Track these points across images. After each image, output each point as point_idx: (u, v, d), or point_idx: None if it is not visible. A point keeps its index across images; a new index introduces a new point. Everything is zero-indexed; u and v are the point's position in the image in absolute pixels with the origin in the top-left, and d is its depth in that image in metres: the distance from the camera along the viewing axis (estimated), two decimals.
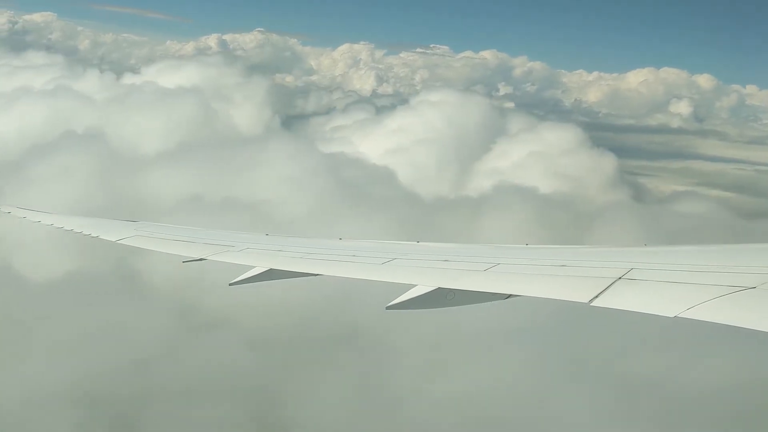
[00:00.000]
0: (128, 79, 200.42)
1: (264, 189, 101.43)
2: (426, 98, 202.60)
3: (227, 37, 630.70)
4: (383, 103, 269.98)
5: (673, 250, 8.99)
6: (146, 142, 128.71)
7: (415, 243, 11.50)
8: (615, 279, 6.85)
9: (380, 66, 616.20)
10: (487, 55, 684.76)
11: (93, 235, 13.94)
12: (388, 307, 7.83)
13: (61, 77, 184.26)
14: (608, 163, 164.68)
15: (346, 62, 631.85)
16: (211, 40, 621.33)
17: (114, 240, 13.25)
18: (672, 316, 5.64)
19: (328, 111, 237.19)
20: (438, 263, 9.15)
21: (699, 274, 6.80)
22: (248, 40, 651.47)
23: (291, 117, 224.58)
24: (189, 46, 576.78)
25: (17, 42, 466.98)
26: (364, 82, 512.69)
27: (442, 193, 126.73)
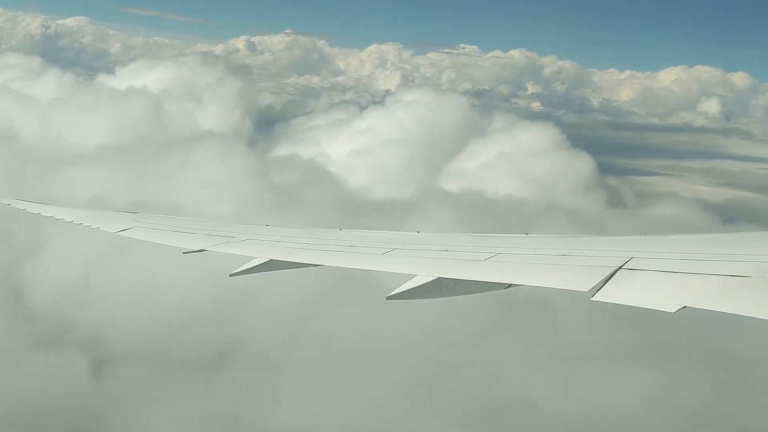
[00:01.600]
0: (101, 79, 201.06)
1: (180, 192, 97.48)
2: (401, 98, 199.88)
3: (255, 39, 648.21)
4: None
5: (673, 238, 8.97)
6: (73, 143, 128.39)
7: (415, 233, 11.50)
8: (615, 268, 6.85)
9: (406, 66, 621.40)
10: (516, 54, 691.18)
11: (93, 226, 13.98)
12: (388, 297, 7.84)
13: (16, 78, 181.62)
14: (583, 165, 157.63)
15: (373, 63, 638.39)
16: (240, 42, 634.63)
17: (114, 231, 13.24)
18: (673, 311, 5.62)
19: (326, 110, 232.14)
20: (438, 253, 9.16)
21: (698, 263, 6.80)
22: (276, 41, 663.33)
23: (274, 117, 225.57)
24: (217, 49, 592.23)
25: (49, 46, 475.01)
26: (389, 83, 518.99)
27: (390, 196, 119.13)
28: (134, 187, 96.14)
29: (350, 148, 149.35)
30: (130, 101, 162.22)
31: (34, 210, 16.26)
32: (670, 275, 6.56)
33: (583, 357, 61.08)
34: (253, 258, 9.88)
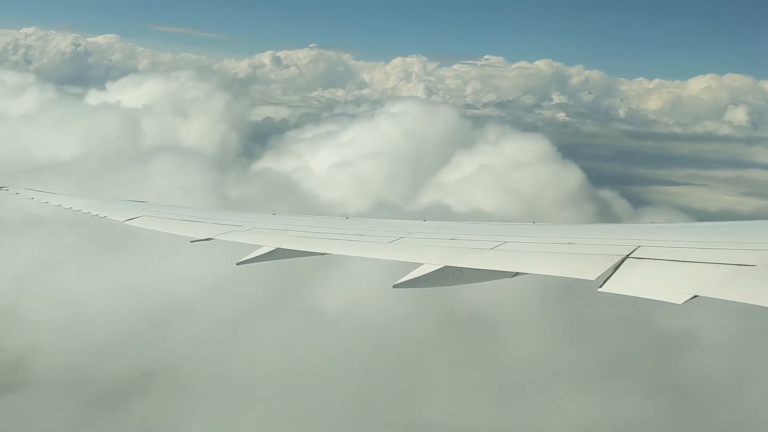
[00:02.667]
0: (91, 96, 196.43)
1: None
2: (389, 109, 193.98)
3: (281, 53, 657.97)
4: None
5: (680, 226, 8.96)
6: (27, 158, 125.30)
7: (422, 221, 11.46)
8: (622, 257, 6.85)
9: (431, 78, 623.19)
10: (542, 64, 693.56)
11: (101, 215, 14.03)
12: (395, 286, 7.85)
13: None
14: (570, 177, 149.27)
15: (398, 75, 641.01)
16: (265, 57, 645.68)
17: (122, 220, 13.29)
18: (680, 302, 5.62)
19: (318, 123, 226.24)
20: (445, 241, 9.15)
21: (705, 251, 6.77)
22: (302, 56, 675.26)
23: (271, 131, 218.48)
24: (244, 64, 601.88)
25: (79, 63, 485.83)
26: (413, 95, 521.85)
27: (362, 210, 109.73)
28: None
29: (331, 161, 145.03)
30: (105, 116, 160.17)
31: (42, 199, 16.34)
32: (677, 264, 6.54)
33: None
34: (260, 246, 9.88)
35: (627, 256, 6.88)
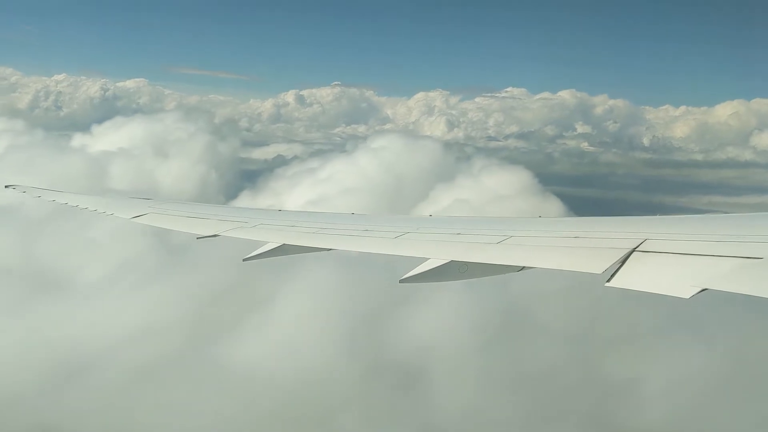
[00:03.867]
0: (77, 139, 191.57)
1: (53, 253, 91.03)
2: (372, 144, 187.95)
3: (305, 92, 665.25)
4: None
5: (686, 219, 8.86)
6: None
7: (428, 216, 11.51)
8: (629, 250, 6.79)
9: (453, 112, 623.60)
10: (565, 95, 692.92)
11: (107, 213, 14.02)
12: (401, 281, 7.77)
13: None
14: (550, 209, 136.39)
15: (420, 110, 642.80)
16: (289, 96, 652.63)
17: (128, 218, 13.28)
18: (688, 296, 5.55)
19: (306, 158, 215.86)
20: (451, 236, 9.10)
21: (712, 244, 6.71)
22: (325, 93, 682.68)
23: (263, 169, 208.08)
24: (268, 103, 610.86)
25: (108, 107, 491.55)
26: (434, 128, 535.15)
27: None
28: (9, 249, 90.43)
29: (306, 198, 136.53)
30: (72, 160, 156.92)
31: (49, 197, 16.32)
32: (685, 257, 6.45)
33: None
34: (266, 243, 9.85)
35: (634, 250, 6.81)
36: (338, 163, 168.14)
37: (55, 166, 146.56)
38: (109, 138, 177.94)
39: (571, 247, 7.65)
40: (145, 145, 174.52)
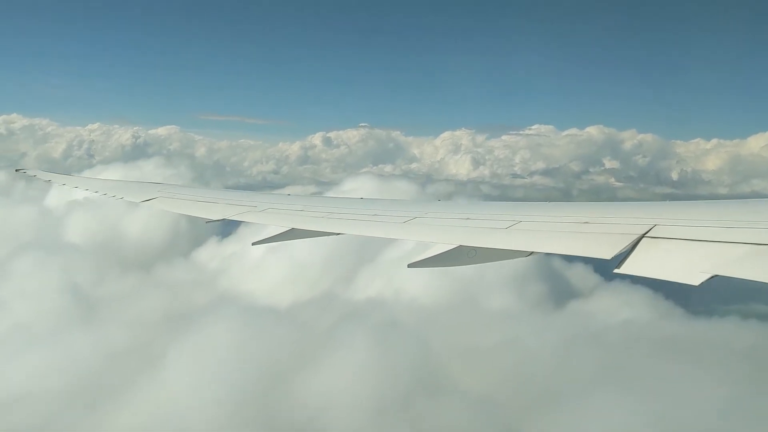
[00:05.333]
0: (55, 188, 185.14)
1: None
2: (343, 186, 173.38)
3: (331, 134, 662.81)
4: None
5: (696, 205, 8.71)
6: None
7: (436, 201, 11.36)
8: (638, 236, 6.72)
9: (479, 150, 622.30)
10: (593, 131, 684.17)
11: (118, 197, 14.02)
12: (410, 265, 7.82)
13: None
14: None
15: (447, 149, 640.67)
16: (317, 138, 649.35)
17: (138, 201, 13.37)
18: (697, 284, 5.46)
19: None
20: (459, 221, 9.01)
21: (722, 230, 6.60)
22: (352, 135, 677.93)
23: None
24: (296, 146, 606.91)
25: (139, 154, 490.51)
26: (460, 167, 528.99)
27: (268, 304, 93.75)
28: None
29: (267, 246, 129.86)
30: (27, 211, 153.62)
31: (59, 181, 16.37)
32: (694, 243, 6.36)
33: None
34: (276, 227, 9.85)
35: (643, 236, 6.74)
36: None
37: (9, 215, 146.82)
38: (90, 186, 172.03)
39: (581, 233, 7.55)
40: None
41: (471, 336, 75.89)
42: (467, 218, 9.08)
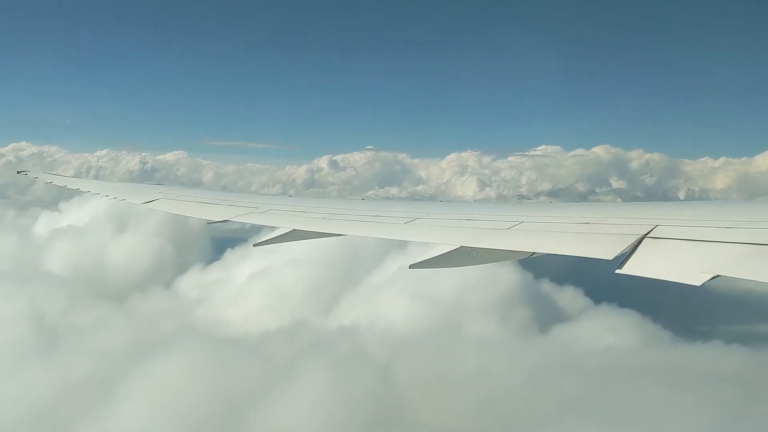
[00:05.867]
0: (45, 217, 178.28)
1: None
2: None
3: (338, 157, 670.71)
4: None
5: (699, 205, 8.72)
6: None
7: (438, 202, 11.33)
8: (640, 236, 6.70)
9: (485, 171, 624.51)
10: (599, 150, 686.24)
11: (119, 198, 13.98)
12: (411, 266, 7.83)
13: None
14: (505, 275, 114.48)
15: (453, 170, 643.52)
16: (323, 162, 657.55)
17: (140, 203, 13.25)
18: (699, 284, 5.46)
19: None
20: (461, 222, 8.99)
21: (725, 231, 6.57)
22: (358, 158, 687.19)
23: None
24: (302, 169, 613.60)
25: (146, 179, 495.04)
26: (466, 188, 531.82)
27: (244, 332, 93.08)
28: None
29: (251, 270, 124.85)
30: (9, 238, 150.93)
31: (60, 183, 16.30)
32: (696, 243, 6.35)
33: None
34: (277, 228, 9.81)
35: (644, 236, 6.72)
36: None
37: None
38: (73, 214, 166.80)
39: (582, 233, 7.52)
40: (103, 221, 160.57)
41: (444, 365, 74.64)
42: (468, 219, 9.07)
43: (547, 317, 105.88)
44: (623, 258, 6.32)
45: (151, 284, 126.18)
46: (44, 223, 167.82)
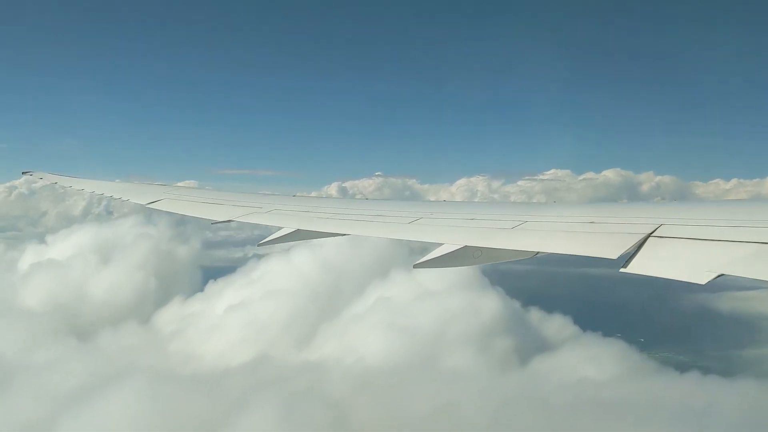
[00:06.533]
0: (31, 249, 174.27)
1: None
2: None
3: (347, 183, 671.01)
4: None
5: (703, 205, 8.62)
6: None
7: (442, 202, 11.27)
8: (644, 236, 6.66)
9: (495, 195, 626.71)
10: (610, 174, 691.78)
11: (123, 198, 13.90)
12: (415, 266, 7.74)
13: None
14: (489, 305, 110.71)
15: (463, 195, 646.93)
16: (332, 189, 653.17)
17: (144, 203, 13.17)
18: (704, 282, 5.42)
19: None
20: (465, 221, 8.92)
21: (729, 230, 6.56)
22: (367, 184, 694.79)
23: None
24: (311, 195, 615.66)
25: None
26: None
27: (220, 366, 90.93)
28: None
29: (229, 303, 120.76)
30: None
31: (65, 183, 16.20)
32: (700, 243, 6.31)
33: None
34: (281, 228, 9.70)
35: (649, 235, 6.67)
36: (273, 262, 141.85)
37: None
38: (59, 246, 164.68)
39: (586, 233, 7.48)
40: (88, 253, 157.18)
41: (408, 401, 72.77)
42: (472, 218, 9.00)
43: (530, 347, 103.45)
44: (628, 257, 6.28)
45: (128, 318, 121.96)
46: (30, 256, 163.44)
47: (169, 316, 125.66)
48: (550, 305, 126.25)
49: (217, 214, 11.40)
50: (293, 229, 9.57)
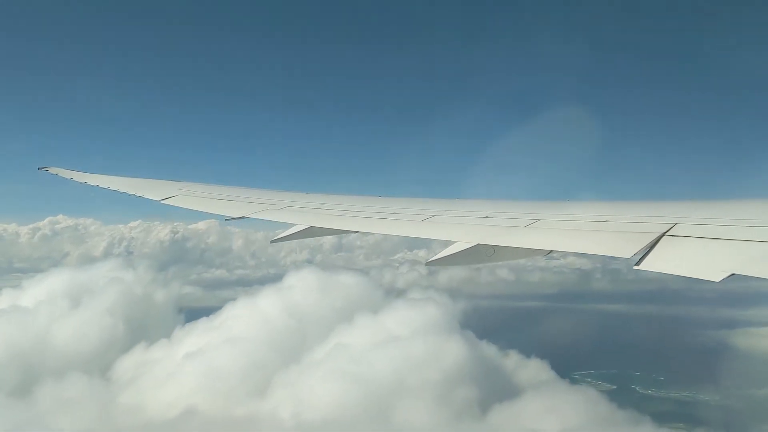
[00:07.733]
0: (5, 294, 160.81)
1: None
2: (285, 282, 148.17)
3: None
4: None
5: (718, 204, 8.50)
6: None
7: (455, 200, 11.05)
8: (659, 234, 6.55)
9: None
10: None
11: (138, 194, 13.74)
12: (428, 263, 7.58)
13: None
14: (453, 351, 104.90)
15: None
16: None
17: (158, 199, 12.98)
18: (717, 281, 5.32)
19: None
20: (478, 219, 8.78)
21: (744, 229, 6.48)
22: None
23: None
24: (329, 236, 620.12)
25: (178, 248, 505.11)
26: None
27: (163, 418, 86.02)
28: None
29: (187, 350, 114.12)
30: None
31: (80, 179, 16.01)
32: (715, 242, 6.21)
33: None
34: (294, 225, 9.59)
35: (664, 234, 6.57)
36: (239, 306, 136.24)
37: None
38: (32, 292, 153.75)
39: (600, 231, 7.33)
40: (58, 299, 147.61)
41: None
42: (486, 216, 8.85)
43: (495, 395, 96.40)
44: (642, 255, 6.18)
45: (88, 367, 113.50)
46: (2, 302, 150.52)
47: (129, 363, 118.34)
48: (528, 350, 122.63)
49: (231, 210, 11.25)
50: (306, 226, 9.45)
